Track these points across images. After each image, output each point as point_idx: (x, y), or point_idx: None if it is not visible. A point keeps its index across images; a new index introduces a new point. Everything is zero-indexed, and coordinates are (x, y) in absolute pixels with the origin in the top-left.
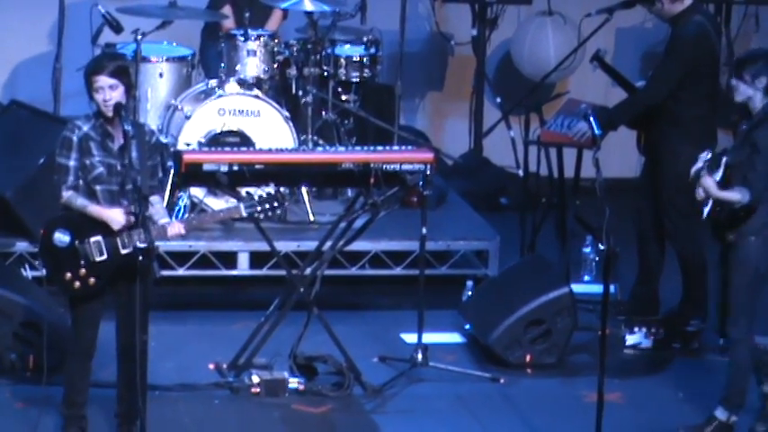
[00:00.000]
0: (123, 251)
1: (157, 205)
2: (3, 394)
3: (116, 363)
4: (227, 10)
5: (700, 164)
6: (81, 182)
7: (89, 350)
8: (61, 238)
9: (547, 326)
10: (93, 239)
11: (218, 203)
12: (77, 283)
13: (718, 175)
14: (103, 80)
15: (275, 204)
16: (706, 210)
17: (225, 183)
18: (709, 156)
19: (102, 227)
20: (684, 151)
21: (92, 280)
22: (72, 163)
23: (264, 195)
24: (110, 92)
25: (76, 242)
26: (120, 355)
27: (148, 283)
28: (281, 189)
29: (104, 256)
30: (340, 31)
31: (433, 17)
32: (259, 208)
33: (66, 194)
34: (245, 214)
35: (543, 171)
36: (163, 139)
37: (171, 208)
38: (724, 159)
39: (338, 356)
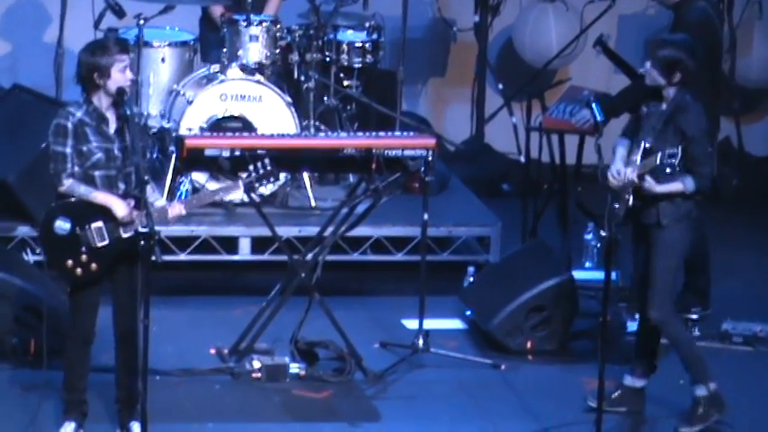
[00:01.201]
0: (125, 235)
1: (150, 185)
2: (3, 379)
3: (114, 347)
4: None
5: (631, 168)
6: (77, 168)
7: (88, 336)
8: (62, 225)
9: (548, 312)
10: (94, 225)
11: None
12: (79, 270)
13: (638, 159)
14: (127, 58)
15: (271, 179)
16: (629, 199)
17: (227, 168)
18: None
19: (103, 212)
20: None
21: (93, 266)
22: (68, 150)
23: (261, 171)
24: (129, 71)
25: (77, 229)
26: (119, 340)
27: (148, 267)
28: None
29: (106, 241)
30: (342, 16)
31: (435, 3)
32: (256, 184)
33: (67, 182)
34: (242, 189)
35: (545, 158)
36: (165, 125)
37: (172, 193)
38: (643, 144)
39: (339, 342)
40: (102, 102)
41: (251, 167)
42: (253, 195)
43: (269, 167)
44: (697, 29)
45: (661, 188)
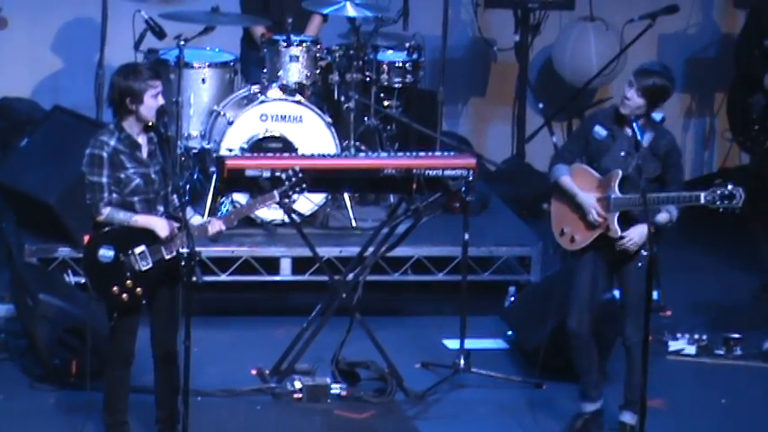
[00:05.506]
0: (167, 257)
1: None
2: (47, 400)
3: (154, 368)
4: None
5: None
6: (116, 195)
7: (128, 357)
8: (105, 254)
9: None
10: (137, 250)
11: (260, 210)
12: (125, 296)
13: (616, 188)
14: (160, 84)
15: (303, 186)
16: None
17: (267, 189)
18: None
19: (144, 236)
20: None
21: (139, 290)
22: (105, 180)
23: (293, 179)
24: (161, 97)
25: (121, 255)
26: (159, 361)
27: (189, 287)
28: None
29: (149, 265)
30: (382, 36)
31: (475, 23)
32: (290, 192)
33: (105, 211)
34: (278, 198)
35: None
36: (205, 145)
37: (213, 214)
38: (619, 172)
39: (380, 362)
40: (133, 128)
41: (284, 177)
42: (287, 203)
43: (301, 175)
44: None
45: (655, 222)
